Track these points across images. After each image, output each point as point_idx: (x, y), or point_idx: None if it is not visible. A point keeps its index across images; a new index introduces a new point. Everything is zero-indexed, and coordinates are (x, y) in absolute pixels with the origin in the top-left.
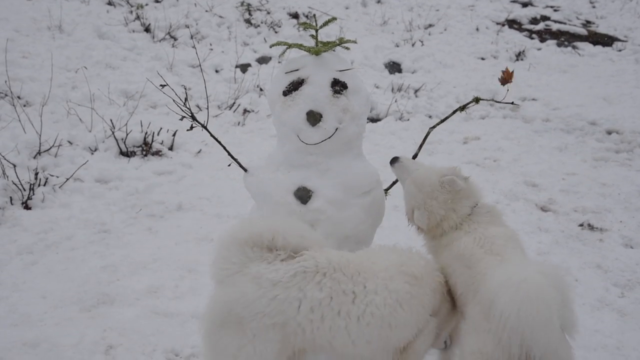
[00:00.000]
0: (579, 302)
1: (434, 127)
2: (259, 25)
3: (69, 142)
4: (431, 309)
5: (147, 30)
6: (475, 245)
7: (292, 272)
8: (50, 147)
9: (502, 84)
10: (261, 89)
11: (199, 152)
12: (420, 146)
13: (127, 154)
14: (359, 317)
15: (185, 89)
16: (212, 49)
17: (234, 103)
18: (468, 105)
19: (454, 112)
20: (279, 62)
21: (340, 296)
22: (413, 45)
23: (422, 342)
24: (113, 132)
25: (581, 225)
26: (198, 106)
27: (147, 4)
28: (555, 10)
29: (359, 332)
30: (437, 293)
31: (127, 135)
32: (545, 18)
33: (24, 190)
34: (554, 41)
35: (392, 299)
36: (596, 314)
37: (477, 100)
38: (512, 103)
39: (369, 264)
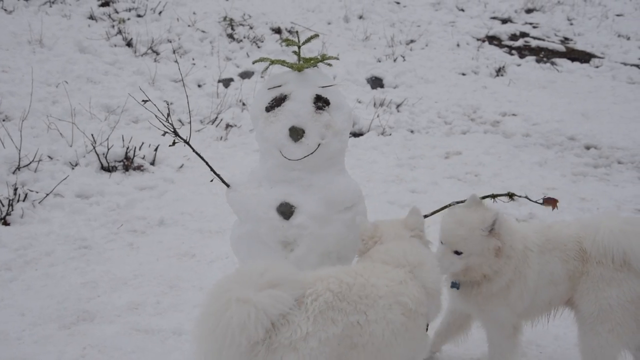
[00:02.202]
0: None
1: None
2: (241, 40)
3: (49, 157)
4: (424, 335)
5: (129, 44)
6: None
7: (312, 318)
8: (30, 162)
9: (544, 205)
10: (244, 104)
11: (181, 167)
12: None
13: (108, 169)
14: (364, 347)
15: (168, 104)
16: (194, 64)
17: (216, 118)
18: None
19: (488, 196)
20: (262, 77)
21: (350, 328)
22: (395, 60)
23: None
24: (94, 147)
25: None
26: (180, 121)
27: (129, 19)
28: (534, 27)
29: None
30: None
31: (108, 150)
32: (524, 34)
33: (3, 206)
34: (533, 57)
35: (389, 329)
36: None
37: (510, 195)
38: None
39: (370, 287)
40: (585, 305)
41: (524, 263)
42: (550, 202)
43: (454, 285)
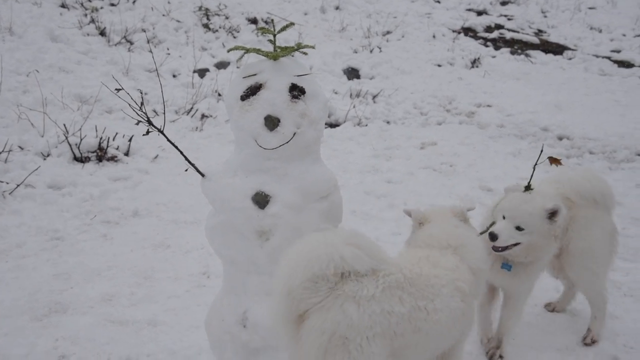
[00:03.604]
0: (531, 303)
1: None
2: (217, 30)
3: (20, 147)
4: (473, 315)
5: (102, 33)
6: None
7: (381, 287)
8: (0, 153)
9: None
10: (219, 94)
11: (155, 157)
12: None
13: (81, 159)
14: (428, 332)
15: (142, 93)
16: (169, 54)
17: (191, 108)
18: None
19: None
20: (238, 67)
21: (417, 312)
22: (371, 51)
23: (463, 343)
24: (66, 137)
25: None
26: (155, 111)
27: (102, 7)
28: (509, 19)
29: (425, 345)
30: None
31: (81, 140)
32: (499, 27)
33: None
34: (508, 49)
35: (450, 317)
36: (549, 314)
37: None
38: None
39: (434, 278)
40: (574, 246)
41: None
42: (555, 161)
43: (505, 266)
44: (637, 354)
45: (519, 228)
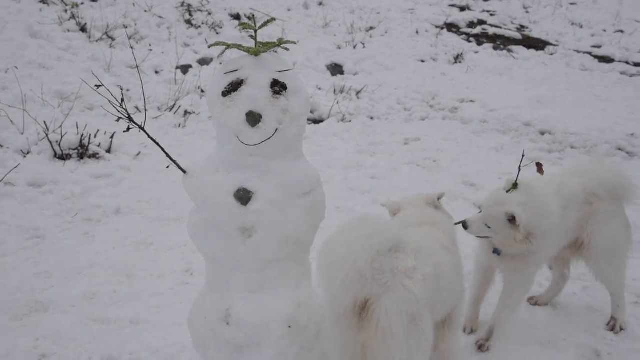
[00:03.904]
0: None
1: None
2: (199, 26)
3: None
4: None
5: (83, 30)
6: None
7: (413, 258)
8: None
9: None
10: (202, 91)
11: (138, 154)
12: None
13: (62, 157)
14: (443, 287)
15: (122, 89)
16: (151, 50)
17: (174, 105)
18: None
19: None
20: (220, 64)
21: (436, 268)
22: (355, 47)
23: (460, 309)
24: (47, 135)
25: None
26: (137, 107)
27: (82, 3)
28: (491, 15)
29: (442, 301)
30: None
31: (62, 137)
32: (482, 22)
33: None
34: (491, 44)
35: (450, 268)
36: (530, 308)
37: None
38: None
39: (429, 242)
40: (596, 240)
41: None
42: (540, 167)
43: (495, 251)
44: (617, 346)
45: (487, 225)
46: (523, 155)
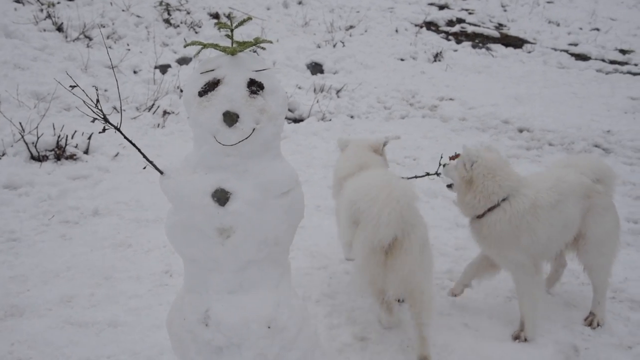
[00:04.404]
0: (493, 295)
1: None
2: (178, 26)
3: None
4: None
5: (59, 29)
6: None
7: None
8: None
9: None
10: (181, 90)
11: (116, 155)
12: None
13: (38, 158)
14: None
15: (97, 89)
16: (129, 49)
17: (153, 104)
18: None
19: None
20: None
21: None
22: (334, 46)
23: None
24: (22, 136)
25: None
26: (115, 108)
27: (58, 2)
28: (470, 13)
29: None
30: None
31: (38, 138)
32: (460, 20)
33: None
34: (469, 43)
35: None
36: (509, 304)
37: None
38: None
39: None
40: (591, 233)
41: (534, 218)
42: (455, 157)
43: (449, 186)
44: (595, 342)
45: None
46: (441, 156)
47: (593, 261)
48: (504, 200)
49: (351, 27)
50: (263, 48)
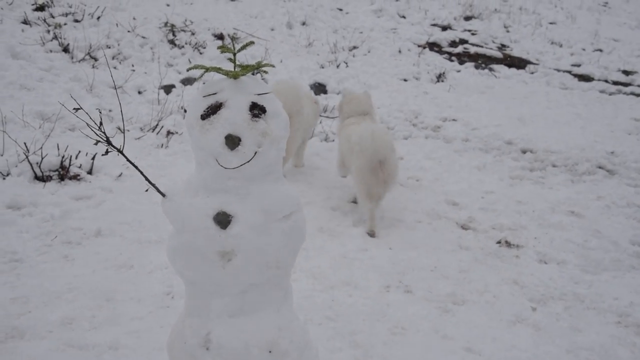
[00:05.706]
0: (497, 319)
1: None
2: (183, 46)
3: None
4: None
5: (65, 50)
6: None
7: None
8: None
9: None
10: (185, 111)
11: (119, 175)
12: None
13: (42, 178)
14: None
15: (100, 112)
16: (134, 70)
17: (157, 125)
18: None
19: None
20: (204, 84)
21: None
22: (338, 66)
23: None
24: (27, 156)
25: (499, 242)
26: (119, 128)
27: (65, 24)
28: (472, 34)
29: None
30: None
31: (42, 159)
32: (463, 41)
33: None
34: (472, 63)
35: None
36: (512, 329)
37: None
38: None
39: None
40: None
41: None
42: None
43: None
44: None
45: None
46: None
47: None
48: None
49: (354, 47)
50: (265, 72)
